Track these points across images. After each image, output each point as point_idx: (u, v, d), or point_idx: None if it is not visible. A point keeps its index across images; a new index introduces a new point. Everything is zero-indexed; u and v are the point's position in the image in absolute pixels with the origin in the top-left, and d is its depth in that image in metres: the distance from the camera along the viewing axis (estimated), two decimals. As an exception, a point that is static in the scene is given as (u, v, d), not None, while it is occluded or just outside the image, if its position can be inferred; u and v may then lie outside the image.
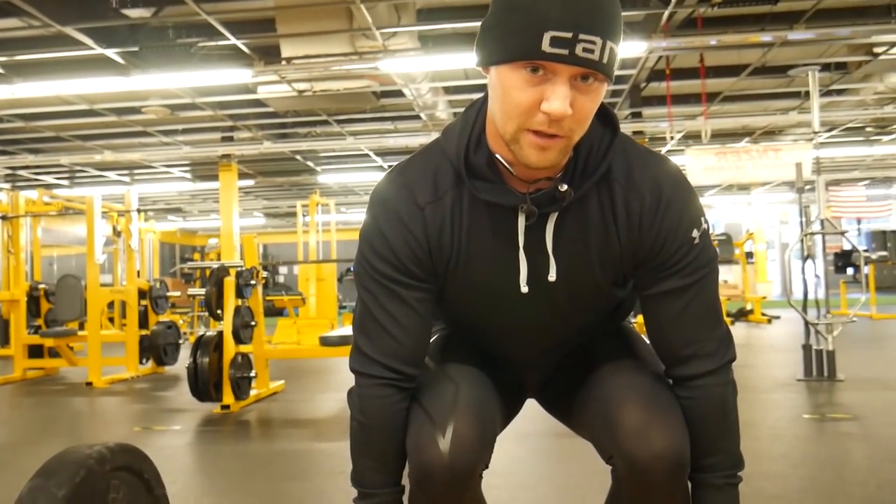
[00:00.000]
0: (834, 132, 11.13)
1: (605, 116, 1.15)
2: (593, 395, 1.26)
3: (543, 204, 1.11)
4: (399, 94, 8.33)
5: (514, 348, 1.35)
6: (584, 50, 0.95)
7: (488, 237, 1.16)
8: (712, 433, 1.21)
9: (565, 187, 1.09)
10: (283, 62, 6.70)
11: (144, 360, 6.99)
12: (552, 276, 1.15)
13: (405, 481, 1.23)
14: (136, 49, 6.47)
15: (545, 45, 0.95)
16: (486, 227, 1.15)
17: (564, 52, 0.95)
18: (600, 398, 1.23)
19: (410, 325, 1.18)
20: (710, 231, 1.20)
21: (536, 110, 1.00)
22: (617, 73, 1.16)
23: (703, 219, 1.18)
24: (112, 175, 13.00)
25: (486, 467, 1.19)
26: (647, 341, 1.37)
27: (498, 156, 1.10)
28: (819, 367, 5.11)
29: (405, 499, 1.25)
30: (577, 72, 0.98)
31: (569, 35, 0.94)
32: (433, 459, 1.12)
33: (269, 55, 6.79)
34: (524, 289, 1.17)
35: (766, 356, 7.08)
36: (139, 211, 7.49)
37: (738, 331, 9.32)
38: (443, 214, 1.15)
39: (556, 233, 1.14)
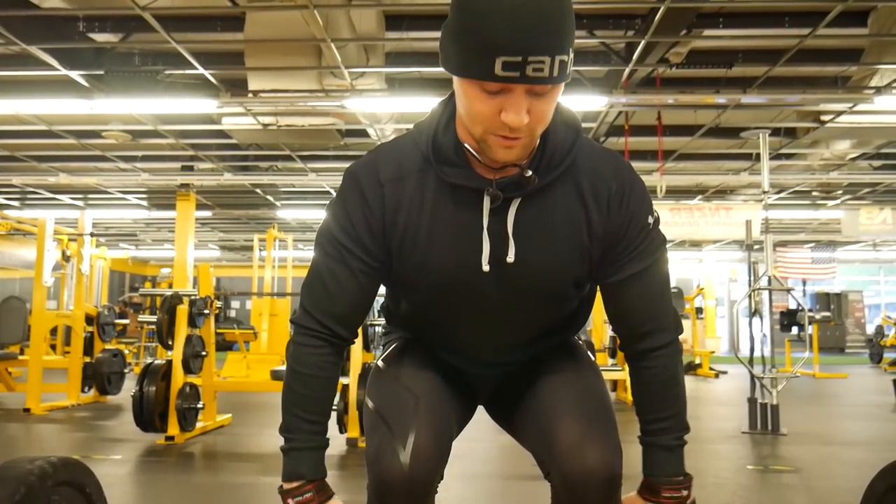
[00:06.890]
0: (782, 194, 11.52)
1: (569, 121, 1.25)
2: (535, 411, 1.32)
3: (508, 189, 1.19)
4: (363, 133, 8.40)
5: (470, 344, 1.39)
6: (535, 70, 1.03)
7: (452, 219, 1.22)
8: (667, 399, 1.32)
9: (530, 173, 1.17)
10: (250, 94, 6.72)
11: (87, 388, 6.78)
12: (510, 258, 1.21)
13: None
14: (100, 73, 6.41)
15: (497, 70, 1.03)
16: (450, 209, 1.22)
17: (516, 74, 1.03)
18: (541, 415, 1.29)
19: (349, 291, 1.26)
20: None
21: (497, 119, 1.08)
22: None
23: (653, 207, 1.30)
24: (65, 198, 12.72)
25: (442, 479, 1.22)
26: (593, 357, 1.48)
27: (466, 144, 1.18)
28: (763, 421, 5.22)
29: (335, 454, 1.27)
30: (531, 87, 1.06)
31: (518, 59, 1.02)
32: (393, 470, 1.15)
33: (235, 87, 6.80)
34: (485, 267, 1.22)
35: (713, 409, 7.19)
36: (92, 235, 7.35)
37: (686, 384, 9.43)
38: (402, 193, 1.23)
39: (519, 217, 1.21)
